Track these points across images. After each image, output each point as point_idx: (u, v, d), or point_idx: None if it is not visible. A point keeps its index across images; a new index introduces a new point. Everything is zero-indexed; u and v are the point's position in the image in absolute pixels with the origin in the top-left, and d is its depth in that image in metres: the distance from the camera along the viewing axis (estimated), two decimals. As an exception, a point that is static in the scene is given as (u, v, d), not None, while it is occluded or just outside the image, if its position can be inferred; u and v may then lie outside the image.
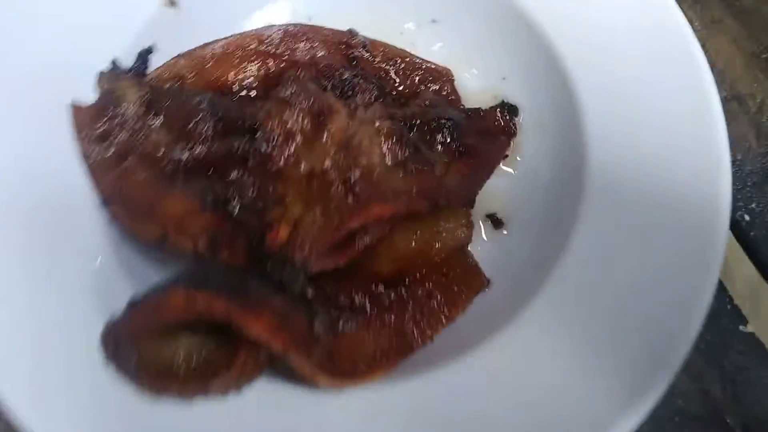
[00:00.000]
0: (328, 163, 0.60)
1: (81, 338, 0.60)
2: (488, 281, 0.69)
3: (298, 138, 0.60)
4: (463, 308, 0.66)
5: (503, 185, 0.74)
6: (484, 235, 0.73)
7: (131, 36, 0.72)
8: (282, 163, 0.60)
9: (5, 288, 0.61)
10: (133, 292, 0.64)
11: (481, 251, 0.71)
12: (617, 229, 0.67)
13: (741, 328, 0.75)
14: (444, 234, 0.68)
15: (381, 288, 0.65)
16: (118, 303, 0.62)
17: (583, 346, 0.61)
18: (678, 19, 0.73)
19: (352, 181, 0.60)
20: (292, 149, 0.60)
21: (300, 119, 0.61)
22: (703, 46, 0.71)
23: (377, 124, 0.65)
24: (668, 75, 0.71)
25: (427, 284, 0.66)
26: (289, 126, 0.60)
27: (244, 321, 0.53)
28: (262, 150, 0.60)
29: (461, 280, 0.67)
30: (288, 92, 0.61)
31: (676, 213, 0.65)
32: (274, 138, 0.60)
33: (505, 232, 0.73)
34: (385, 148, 0.64)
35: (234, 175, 0.62)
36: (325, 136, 0.61)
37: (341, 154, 0.61)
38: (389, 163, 0.64)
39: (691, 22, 0.73)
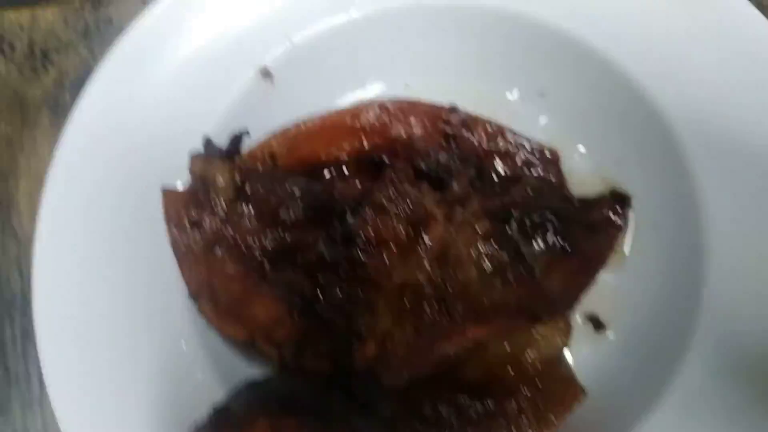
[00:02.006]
0: (422, 277, 0.56)
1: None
2: (584, 393, 0.64)
3: (393, 247, 0.57)
4: (555, 427, 0.61)
5: (608, 282, 0.68)
6: (582, 337, 0.68)
7: (225, 109, 0.70)
8: (374, 272, 0.57)
9: (88, 358, 0.62)
10: (217, 379, 0.64)
11: (578, 356, 0.66)
12: (739, 347, 0.60)
13: None
14: (539, 340, 0.63)
15: (467, 399, 0.61)
16: (202, 394, 0.62)
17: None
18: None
19: (448, 299, 0.56)
20: (386, 259, 0.57)
21: (396, 227, 0.57)
22: None
23: (475, 225, 0.61)
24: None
25: (517, 398, 0.61)
26: (384, 234, 0.57)
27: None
28: (355, 257, 0.57)
29: (555, 393, 0.62)
30: (384, 196, 0.58)
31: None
32: (368, 246, 0.57)
33: (609, 337, 0.67)
34: (483, 254, 0.60)
35: (323, 277, 0.60)
36: (421, 247, 0.57)
37: (437, 268, 0.57)
38: (488, 269, 0.60)
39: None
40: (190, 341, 0.65)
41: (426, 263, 0.57)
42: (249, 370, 0.66)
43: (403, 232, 0.57)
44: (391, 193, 0.58)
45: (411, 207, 0.58)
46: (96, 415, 0.60)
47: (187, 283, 0.63)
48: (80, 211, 0.65)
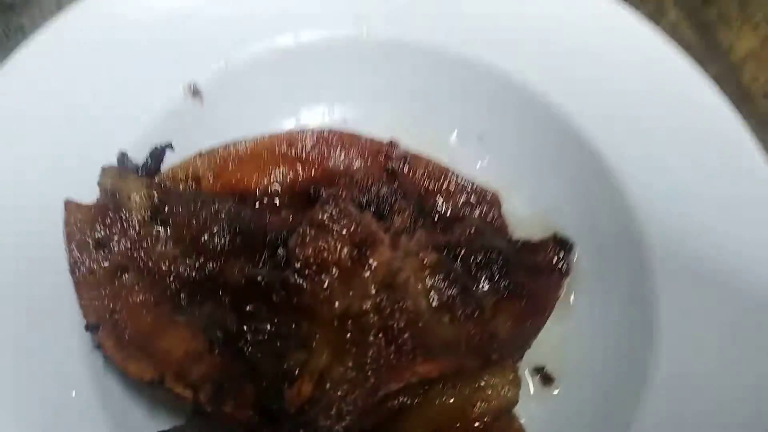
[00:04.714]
0: (367, 304, 0.50)
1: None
2: (536, 451, 0.58)
3: (335, 271, 0.50)
4: (507, 489, 0.55)
5: (553, 333, 0.64)
6: (530, 391, 0.63)
7: (146, 128, 0.63)
8: (313, 299, 0.50)
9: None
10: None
11: (526, 411, 0.61)
12: (692, 399, 0.57)
13: None
14: (487, 392, 0.57)
15: (410, 461, 0.54)
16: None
17: None
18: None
19: (396, 329, 0.49)
20: (327, 284, 0.50)
21: (338, 248, 0.51)
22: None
23: (422, 255, 0.56)
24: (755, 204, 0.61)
25: (466, 456, 0.55)
26: (325, 255, 0.50)
27: None
28: (291, 281, 0.50)
29: (506, 452, 0.56)
30: (326, 215, 0.52)
31: None
32: (306, 269, 0.50)
33: (555, 391, 0.63)
34: (431, 286, 0.54)
35: (250, 306, 0.52)
36: (366, 271, 0.51)
37: (383, 295, 0.51)
38: (435, 304, 0.54)
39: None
40: (81, 388, 0.55)
41: (371, 289, 0.51)
42: (153, 425, 0.56)
43: (347, 253, 0.51)
44: (332, 211, 0.52)
45: (354, 227, 0.52)
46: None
47: (85, 312, 0.53)
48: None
